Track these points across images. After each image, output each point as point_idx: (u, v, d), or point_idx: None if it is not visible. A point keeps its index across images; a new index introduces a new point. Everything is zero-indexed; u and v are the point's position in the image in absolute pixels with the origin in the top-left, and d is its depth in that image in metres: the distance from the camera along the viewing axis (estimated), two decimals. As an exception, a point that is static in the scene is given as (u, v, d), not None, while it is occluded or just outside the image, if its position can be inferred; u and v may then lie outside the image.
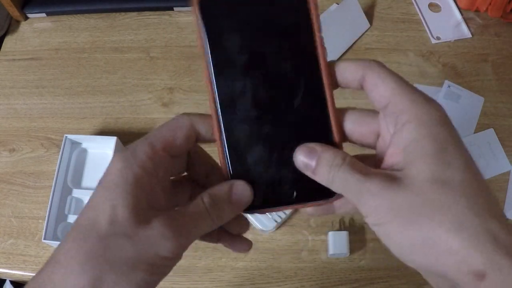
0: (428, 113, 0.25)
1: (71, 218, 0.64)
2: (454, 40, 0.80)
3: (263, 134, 0.28)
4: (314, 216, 0.31)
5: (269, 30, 0.28)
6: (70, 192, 0.65)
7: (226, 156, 0.28)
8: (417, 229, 0.23)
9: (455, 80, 0.75)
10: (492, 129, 0.71)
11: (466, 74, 0.76)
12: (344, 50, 0.77)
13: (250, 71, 0.28)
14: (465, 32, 0.81)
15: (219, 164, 0.29)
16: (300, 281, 0.61)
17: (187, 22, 0.82)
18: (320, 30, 0.28)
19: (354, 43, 0.79)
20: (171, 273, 0.68)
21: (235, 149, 0.28)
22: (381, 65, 0.27)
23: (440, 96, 0.73)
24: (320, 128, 0.28)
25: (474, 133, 0.71)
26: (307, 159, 0.27)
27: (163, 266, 0.26)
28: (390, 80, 0.26)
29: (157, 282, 0.26)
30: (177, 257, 0.26)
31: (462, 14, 0.82)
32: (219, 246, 0.67)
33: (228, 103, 0.28)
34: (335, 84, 0.28)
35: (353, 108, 0.29)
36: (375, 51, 0.78)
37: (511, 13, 0.80)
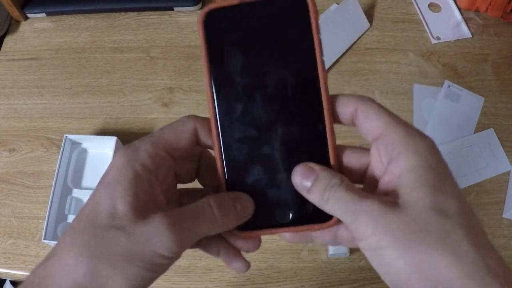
0: (422, 144, 0.25)
1: (71, 218, 0.64)
2: (454, 40, 0.80)
3: (260, 154, 0.28)
4: (291, 242, 0.30)
5: (271, 52, 0.28)
6: (70, 192, 0.65)
7: (224, 171, 0.28)
8: (417, 254, 0.23)
9: (455, 80, 0.75)
10: (492, 129, 0.71)
11: (466, 74, 0.77)
12: (344, 50, 0.77)
13: (250, 92, 0.28)
14: (465, 32, 0.81)
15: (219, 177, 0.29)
16: (300, 281, 0.61)
17: (187, 22, 0.82)
18: (322, 54, 0.28)
19: (354, 43, 0.79)
20: (171, 273, 0.68)
21: (232, 166, 0.28)
22: (373, 100, 0.27)
23: (440, 96, 0.73)
24: (318, 152, 0.28)
25: (474, 133, 0.71)
26: (304, 178, 0.27)
27: (159, 263, 0.26)
28: (383, 113, 0.27)
29: (154, 278, 0.26)
30: (175, 256, 0.26)
31: (462, 14, 0.82)
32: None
33: (227, 120, 0.28)
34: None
35: (343, 146, 0.29)
36: (375, 51, 0.78)
37: (511, 13, 0.80)
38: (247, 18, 0.28)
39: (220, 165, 0.28)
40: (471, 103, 0.73)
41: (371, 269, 0.68)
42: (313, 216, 0.28)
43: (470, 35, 0.80)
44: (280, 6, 0.28)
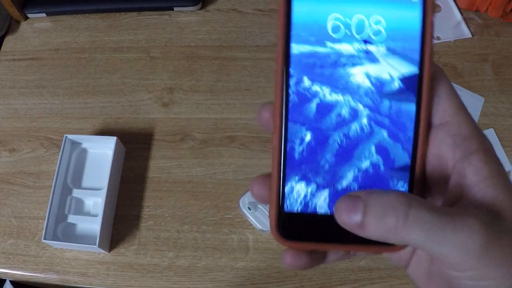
0: (487, 140, 0.23)
1: (71, 218, 0.63)
2: (454, 40, 0.80)
3: (329, 152, 0.24)
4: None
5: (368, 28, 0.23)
6: (70, 192, 0.65)
7: (281, 168, 0.24)
8: None
9: (455, 80, 0.75)
10: (492, 129, 0.71)
11: (466, 74, 0.76)
12: (344, 50, 0.77)
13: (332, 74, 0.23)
14: (465, 32, 0.81)
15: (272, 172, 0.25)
16: (300, 281, 0.61)
17: (187, 22, 0.82)
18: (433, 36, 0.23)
19: (354, 43, 0.79)
20: (171, 273, 0.68)
21: (294, 166, 0.24)
22: (445, 75, 0.23)
23: (440, 96, 0.73)
24: (402, 164, 0.23)
25: (474, 133, 0.71)
26: (350, 212, 0.21)
27: None
28: (454, 96, 0.23)
29: None
30: None
31: (462, 14, 0.82)
32: (219, 245, 0.67)
33: (296, 99, 0.24)
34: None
35: None
36: (375, 51, 0.78)
37: (511, 13, 0.80)
38: None
39: (277, 156, 0.24)
40: (471, 103, 0.73)
41: (371, 269, 0.69)
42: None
43: (470, 35, 0.80)
44: None
